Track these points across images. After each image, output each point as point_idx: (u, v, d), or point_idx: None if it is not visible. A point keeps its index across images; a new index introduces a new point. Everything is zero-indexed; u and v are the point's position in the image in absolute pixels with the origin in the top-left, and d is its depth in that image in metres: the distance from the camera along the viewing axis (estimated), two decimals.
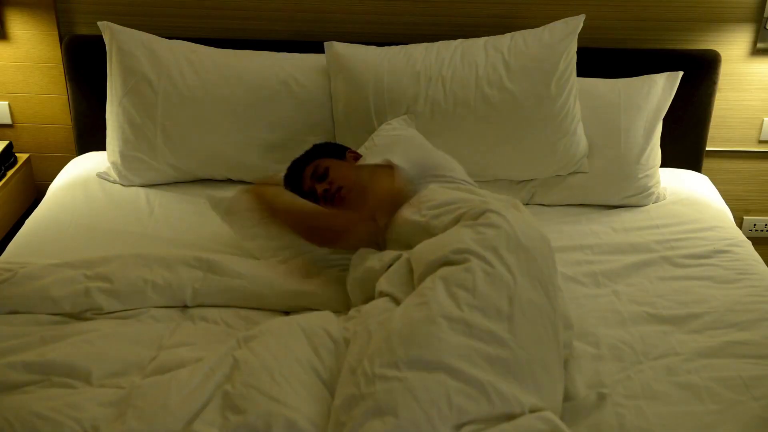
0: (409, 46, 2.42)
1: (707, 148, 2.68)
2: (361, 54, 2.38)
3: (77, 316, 1.79)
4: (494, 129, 2.35)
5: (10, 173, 2.67)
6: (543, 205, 2.45)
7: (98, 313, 1.79)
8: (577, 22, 2.35)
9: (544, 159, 2.38)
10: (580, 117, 2.38)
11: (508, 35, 2.40)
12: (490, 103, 2.33)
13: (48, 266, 1.86)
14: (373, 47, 2.41)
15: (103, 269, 1.85)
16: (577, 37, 2.35)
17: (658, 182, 2.45)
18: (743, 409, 1.56)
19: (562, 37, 2.34)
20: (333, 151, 2.18)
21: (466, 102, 2.33)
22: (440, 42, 2.42)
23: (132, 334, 1.70)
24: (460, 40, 2.41)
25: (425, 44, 2.42)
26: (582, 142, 2.39)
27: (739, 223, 2.84)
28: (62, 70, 2.66)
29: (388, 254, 1.78)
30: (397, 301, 1.61)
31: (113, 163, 2.45)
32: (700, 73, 2.53)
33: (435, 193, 1.87)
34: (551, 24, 2.37)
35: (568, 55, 2.34)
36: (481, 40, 2.40)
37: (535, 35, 2.37)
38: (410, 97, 2.35)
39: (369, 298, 1.73)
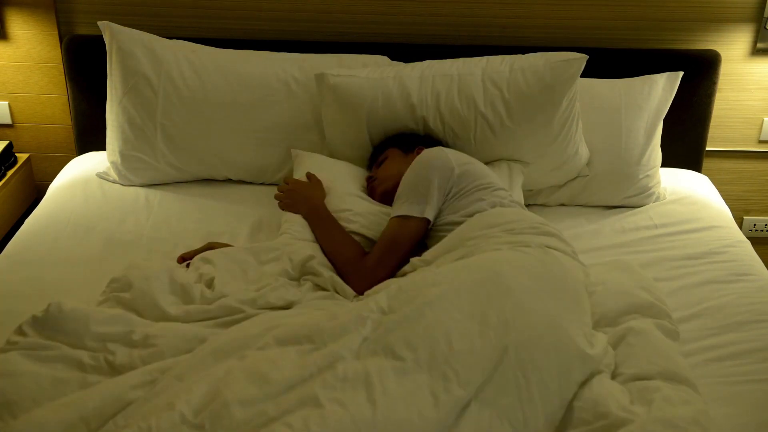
0: (402, 72, 2.31)
1: (707, 148, 2.68)
2: (355, 85, 2.28)
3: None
4: (494, 157, 2.33)
5: (10, 173, 2.67)
6: (544, 205, 2.45)
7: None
8: (581, 62, 2.22)
9: (544, 178, 2.39)
10: (582, 133, 2.35)
11: (506, 64, 2.28)
12: (490, 141, 2.28)
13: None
14: (366, 76, 2.31)
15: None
16: (579, 75, 2.24)
17: (658, 182, 2.45)
18: (742, 410, 1.57)
19: (566, 78, 2.22)
20: (408, 142, 2.24)
21: (466, 138, 2.28)
22: (435, 69, 2.31)
23: None
24: (456, 68, 2.30)
25: (420, 69, 2.32)
26: (583, 156, 2.37)
27: (739, 223, 2.84)
28: (62, 70, 2.66)
29: None
30: None
31: (113, 163, 2.45)
32: (700, 73, 2.53)
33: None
34: (554, 59, 2.24)
35: (571, 92, 2.25)
36: (478, 71, 2.29)
37: (536, 73, 2.23)
38: (408, 129, 2.30)
39: None
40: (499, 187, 1.98)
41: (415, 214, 1.91)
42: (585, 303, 1.67)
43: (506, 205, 1.93)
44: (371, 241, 2.06)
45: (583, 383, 1.50)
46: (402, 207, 1.94)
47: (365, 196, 2.20)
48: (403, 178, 1.99)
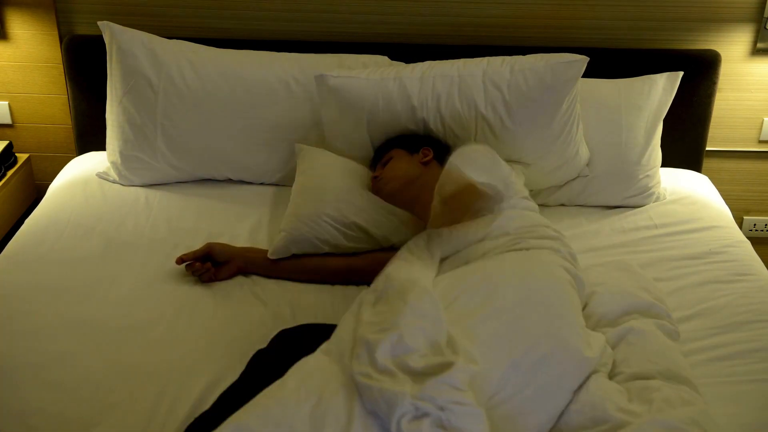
0: (402, 73, 2.29)
1: (707, 148, 2.68)
2: (355, 87, 2.26)
3: None
4: None
5: (10, 173, 2.67)
6: (543, 205, 2.44)
7: None
8: (582, 64, 2.21)
9: (544, 179, 2.39)
10: (582, 134, 2.35)
11: (507, 65, 2.26)
12: (491, 142, 2.26)
13: None
14: (366, 77, 2.28)
15: None
16: (580, 76, 2.23)
17: (658, 182, 2.45)
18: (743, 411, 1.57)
19: (566, 80, 2.21)
20: (412, 143, 2.22)
21: (466, 139, 2.27)
22: (435, 70, 2.29)
23: None
24: (456, 69, 2.28)
25: (420, 70, 2.30)
26: (584, 157, 2.37)
27: (739, 223, 2.84)
28: (62, 70, 2.66)
29: None
30: None
31: (113, 163, 2.45)
32: (700, 73, 2.53)
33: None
34: (554, 61, 2.22)
35: (572, 93, 2.24)
36: (479, 72, 2.27)
37: (536, 74, 2.20)
38: (408, 131, 2.30)
39: None
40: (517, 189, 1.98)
41: None
42: (575, 300, 1.67)
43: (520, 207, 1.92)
44: (371, 236, 2.06)
45: (580, 385, 1.50)
46: None
47: (368, 193, 2.20)
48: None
